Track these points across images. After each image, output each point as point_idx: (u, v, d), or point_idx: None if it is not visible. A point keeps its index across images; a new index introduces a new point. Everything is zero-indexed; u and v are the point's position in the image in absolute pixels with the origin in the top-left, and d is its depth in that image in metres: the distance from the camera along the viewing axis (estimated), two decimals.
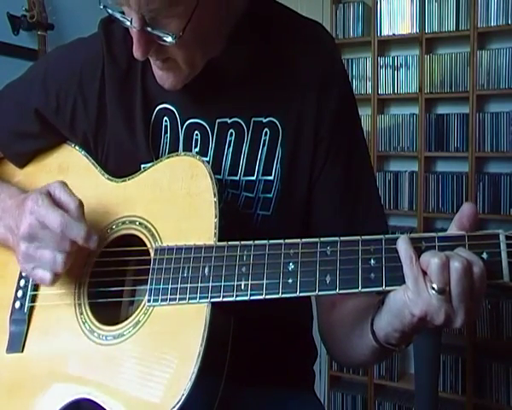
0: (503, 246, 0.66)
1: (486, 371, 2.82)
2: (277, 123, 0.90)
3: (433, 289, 0.65)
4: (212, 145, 0.91)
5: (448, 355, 2.88)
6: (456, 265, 0.64)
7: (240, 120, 0.90)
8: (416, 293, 0.66)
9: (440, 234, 0.68)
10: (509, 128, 2.81)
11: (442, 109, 3.06)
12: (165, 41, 0.77)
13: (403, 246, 0.68)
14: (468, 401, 2.83)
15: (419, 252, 0.67)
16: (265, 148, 0.90)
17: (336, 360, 0.99)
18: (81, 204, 0.82)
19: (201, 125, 0.91)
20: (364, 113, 3.05)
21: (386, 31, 3.06)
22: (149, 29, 0.76)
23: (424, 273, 0.66)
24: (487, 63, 2.83)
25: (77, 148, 0.97)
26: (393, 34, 3.05)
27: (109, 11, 0.80)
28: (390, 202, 3.04)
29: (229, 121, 0.90)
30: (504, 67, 2.81)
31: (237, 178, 0.90)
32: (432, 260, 0.65)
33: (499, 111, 2.85)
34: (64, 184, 0.84)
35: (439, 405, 2.52)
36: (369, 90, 3.10)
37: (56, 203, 0.81)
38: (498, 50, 2.82)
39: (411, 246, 0.67)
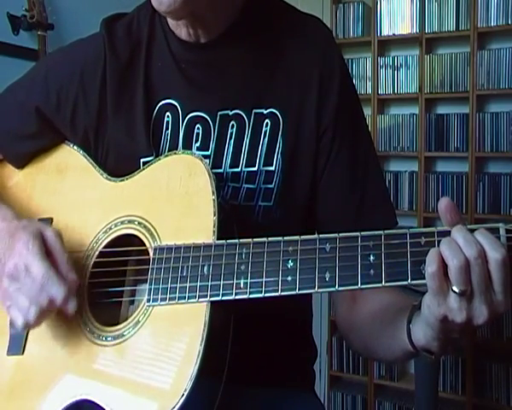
0: (503, 239, 0.65)
1: (486, 371, 2.82)
2: (278, 114, 0.90)
3: (454, 291, 0.63)
4: (213, 138, 0.91)
5: (448, 355, 2.87)
6: (475, 268, 0.62)
7: (241, 112, 0.91)
8: (436, 301, 0.65)
9: (440, 228, 0.67)
10: (509, 128, 2.81)
11: (442, 109, 3.06)
12: None
13: (430, 256, 0.64)
14: (468, 401, 2.83)
15: (419, 247, 0.66)
16: (266, 139, 0.90)
17: (358, 353, 0.99)
18: (70, 260, 0.81)
19: (203, 117, 0.91)
20: (364, 113, 3.05)
21: (386, 31, 3.06)
22: None
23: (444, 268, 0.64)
24: (487, 63, 2.83)
25: (75, 148, 0.97)
26: (393, 34, 3.05)
27: None
28: None
29: (230, 113, 0.91)
30: (504, 67, 2.81)
31: (239, 169, 0.90)
32: (451, 263, 0.63)
33: (499, 111, 2.84)
34: (59, 235, 0.83)
35: (439, 405, 2.52)
36: (369, 90, 3.10)
37: (47, 250, 0.80)
38: (498, 50, 2.82)
39: (439, 258, 0.64)
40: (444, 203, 0.68)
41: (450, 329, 0.67)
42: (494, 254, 0.63)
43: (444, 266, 0.64)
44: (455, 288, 0.63)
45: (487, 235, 0.64)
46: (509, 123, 2.81)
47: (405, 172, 3.06)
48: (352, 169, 0.92)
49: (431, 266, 0.64)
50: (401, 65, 3.05)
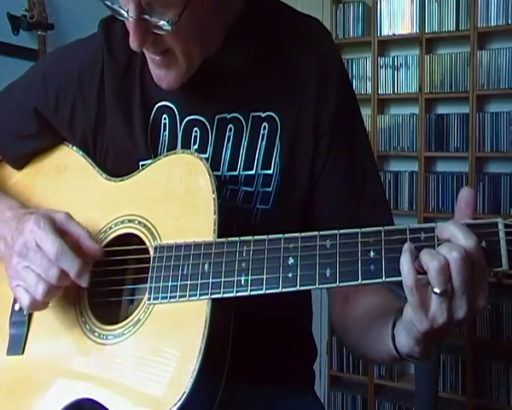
0: (501, 234, 0.65)
1: (486, 371, 2.82)
2: (276, 117, 0.90)
3: (435, 293, 0.64)
4: (211, 141, 0.91)
5: (448, 355, 2.87)
6: (454, 255, 0.62)
7: (239, 116, 0.90)
8: (418, 316, 0.65)
9: (439, 224, 0.67)
10: (509, 128, 2.81)
11: (442, 109, 3.06)
12: (161, 29, 0.77)
13: (405, 268, 0.65)
14: (468, 401, 2.83)
15: (418, 243, 0.66)
16: (264, 142, 0.90)
17: (350, 351, 0.99)
18: (88, 234, 0.82)
19: (201, 121, 0.91)
20: (364, 113, 3.04)
21: (386, 31, 3.06)
22: (146, 16, 0.77)
23: (424, 272, 0.65)
24: (487, 63, 2.83)
25: (74, 148, 0.97)
26: (393, 34, 3.05)
27: (107, 3, 0.80)
28: (390, 202, 3.04)
29: (228, 117, 0.91)
30: (504, 67, 2.81)
31: (236, 173, 0.90)
32: (431, 264, 0.63)
33: (499, 111, 2.84)
34: (70, 215, 0.83)
35: (439, 405, 2.52)
36: (369, 90, 3.10)
37: (58, 230, 0.80)
38: (498, 50, 2.82)
39: (413, 271, 0.64)
40: (464, 191, 0.68)
41: (433, 336, 0.67)
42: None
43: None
44: (436, 289, 0.63)
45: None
46: (509, 123, 2.81)
47: (405, 172, 3.06)
48: (348, 174, 0.92)
49: (409, 279, 0.64)
50: (401, 65, 3.05)
